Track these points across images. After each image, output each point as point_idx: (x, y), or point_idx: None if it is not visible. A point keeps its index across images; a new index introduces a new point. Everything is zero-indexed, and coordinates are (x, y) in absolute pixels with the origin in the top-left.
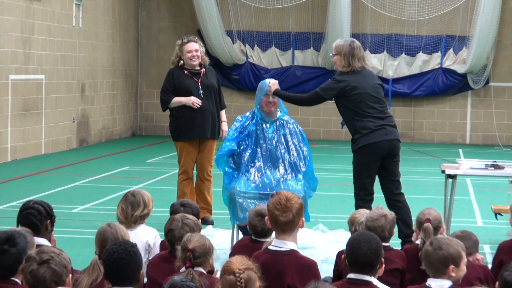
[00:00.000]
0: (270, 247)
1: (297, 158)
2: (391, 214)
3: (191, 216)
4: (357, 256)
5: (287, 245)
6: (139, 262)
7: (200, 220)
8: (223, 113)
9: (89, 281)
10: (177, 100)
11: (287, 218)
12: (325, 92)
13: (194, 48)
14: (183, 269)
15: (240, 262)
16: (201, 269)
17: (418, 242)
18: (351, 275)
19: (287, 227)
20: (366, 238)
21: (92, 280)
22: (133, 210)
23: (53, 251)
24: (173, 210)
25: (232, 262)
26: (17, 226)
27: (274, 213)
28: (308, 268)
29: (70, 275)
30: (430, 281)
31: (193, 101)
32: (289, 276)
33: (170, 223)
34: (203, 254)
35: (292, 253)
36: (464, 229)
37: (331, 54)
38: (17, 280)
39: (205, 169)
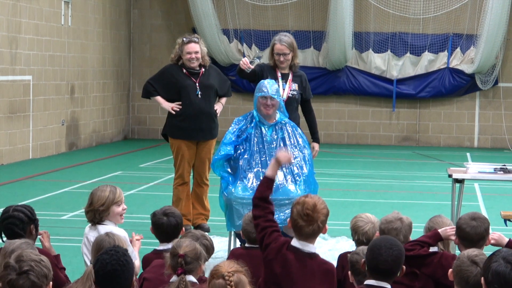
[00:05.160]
0: (294, 244)
1: (298, 162)
2: (407, 219)
3: (208, 237)
4: (377, 263)
5: (310, 247)
6: (132, 270)
7: (193, 227)
8: (223, 99)
9: None
10: (159, 100)
11: (312, 229)
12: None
13: (194, 50)
14: (174, 278)
15: (229, 265)
16: (192, 278)
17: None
18: (370, 281)
19: (311, 236)
20: (387, 244)
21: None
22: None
23: (33, 260)
24: (156, 220)
25: (220, 266)
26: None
27: (298, 222)
28: (331, 273)
29: (51, 283)
30: None
31: (173, 106)
32: (312, 280)
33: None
34: (195, 259)
35: (316, 256)
36: (476, 214)
37: (287, 53)
38: None
39: (203, 174)
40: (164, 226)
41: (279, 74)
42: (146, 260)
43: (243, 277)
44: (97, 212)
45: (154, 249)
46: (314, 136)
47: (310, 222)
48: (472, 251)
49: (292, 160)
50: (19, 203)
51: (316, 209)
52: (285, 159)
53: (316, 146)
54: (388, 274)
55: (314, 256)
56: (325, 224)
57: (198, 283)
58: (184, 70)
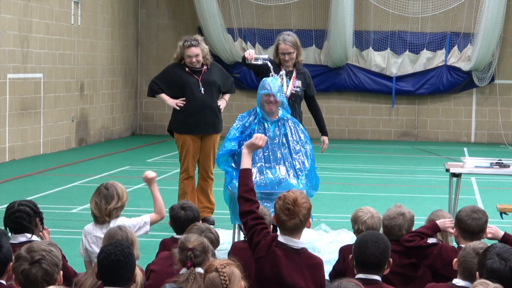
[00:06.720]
0: (281, 240)
1: (300, 157)
2: (409, 213)
3: (213, 230)
4: (364, 257)
5: (296, 243)
6: (134, 262)
7: (201, 221)
8: (226, 95)
9: (93, 281)
10: (164, 98)
11: (294, 223)
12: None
13: (194, 53)
14: (183, 270)
15: (221, 260)
16: (201, 270)
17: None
18: (360, 275)
19: (295, 230)
20: (373, 238)
21: (96, 280)
22: (106, 204)
23: (44, 250)
24: (174, 214)
25: (213, 261)
26: (5, 229)
27: (281, 217)
28: (318, 267)
29: (61, 272)
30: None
31: (177, 102)
32: (301, 275)
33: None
34: (203, 252)
35: (303, 251)
36: (475, 207)
37: (291, 52)
38: (1, 281)
39: (208, 168)
40: (182, 219)
41: (283, 71)
42: (164, 244)
43: (236, 270)
44: (123, 207)
45: (172, 236)
46: (322, 129)
47: (291, 216)
48: (478, 243)
49: (262, 143)
50: (24, 198)
51: (297, 203)
52: (260, 141)
53: (326, 139)
54: (376, 267)
55: (301, 251)
56: (308, 218)
57: None
58: (187, 69)
